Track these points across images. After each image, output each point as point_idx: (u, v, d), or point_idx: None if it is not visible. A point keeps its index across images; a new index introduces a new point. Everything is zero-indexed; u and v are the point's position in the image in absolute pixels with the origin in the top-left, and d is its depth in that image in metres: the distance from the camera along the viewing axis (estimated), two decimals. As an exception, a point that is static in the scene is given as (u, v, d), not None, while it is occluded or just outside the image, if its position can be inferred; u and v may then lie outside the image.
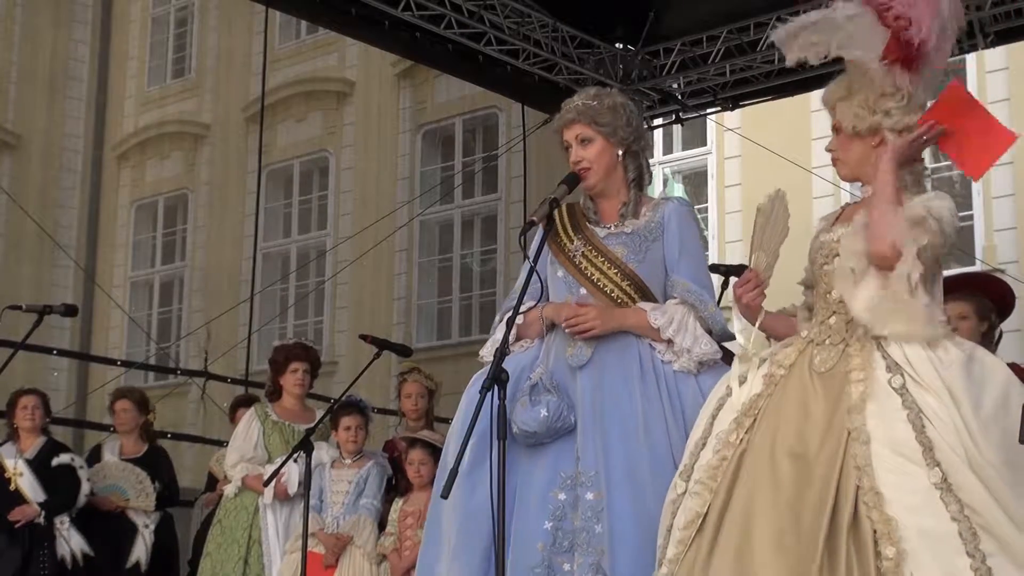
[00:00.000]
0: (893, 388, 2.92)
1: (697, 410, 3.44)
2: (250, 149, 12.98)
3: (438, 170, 13.17)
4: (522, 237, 3.66)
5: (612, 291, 3.72)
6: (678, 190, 13.51)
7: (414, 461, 5.51)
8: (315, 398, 6.69)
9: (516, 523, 3.55)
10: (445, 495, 3.19)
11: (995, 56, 10.64)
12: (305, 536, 5.18)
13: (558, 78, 8.35)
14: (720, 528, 2.94)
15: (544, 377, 3.63)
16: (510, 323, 3.53)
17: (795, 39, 3.17)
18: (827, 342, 3.10)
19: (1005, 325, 4.72)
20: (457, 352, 11.86)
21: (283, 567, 5.68)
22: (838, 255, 3.14)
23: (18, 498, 6.52)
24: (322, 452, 5.74)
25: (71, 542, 6.58)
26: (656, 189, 13.16)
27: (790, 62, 3.21)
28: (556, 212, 3.71)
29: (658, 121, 9.51)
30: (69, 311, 5.48)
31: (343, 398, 5.72)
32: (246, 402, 7.10)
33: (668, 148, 13.52)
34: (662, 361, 3.66)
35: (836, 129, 3.25)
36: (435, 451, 5.51)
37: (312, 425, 5.73)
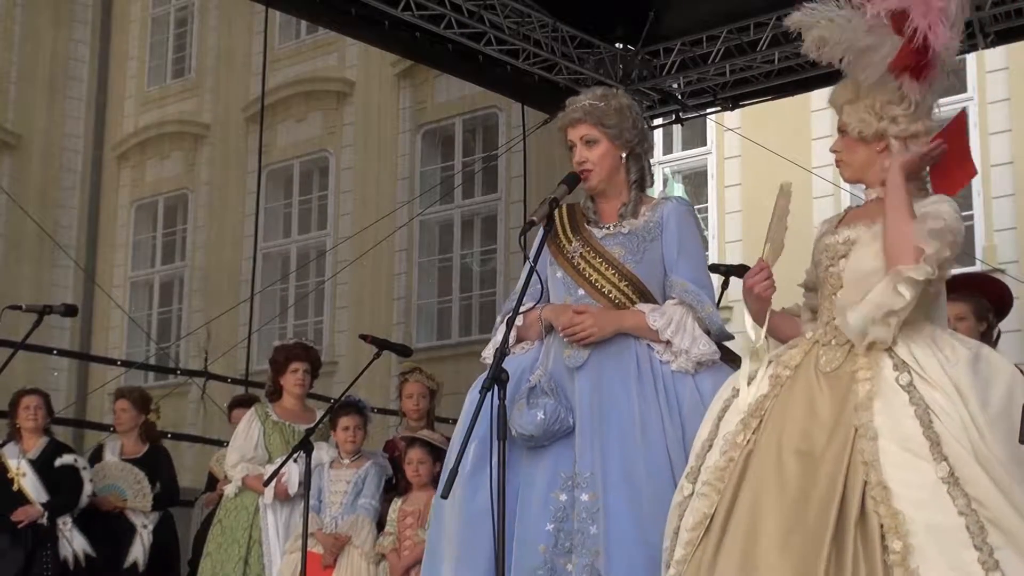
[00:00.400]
0: (900, 385, 2.93)
1: (695, 410, 3.45)
2: (250, 149, 12.98)
3: (438, 170, 13.17)
4: (522, 237, 3.65)
5: (610, 292, 3.72)
6: (678, 190, 13.50)
7: (413, 460, 5.52)
8: (315, 398, 6.69)
9: (518, 525, 3.55)
10: (445, 495, 3.19)
11: (995, 56, 10.63)
12: (305, 536, 5.18)
13: (558, 78, 8.35)
14: (726, 529, 2.95)
15: (542, 379, 3.63)
16: (510, 323, 3.53)
17: (809, 31, 3.17)
18: (833, 342, 3.10)
19: (1004, 325, 4.73)
20: (457, 352, 11.86)
21: (283, 567, 5.69)
22: (844, 257, 3.15)
23: (21, 498, 6.52)
24: (321, 452, 5.75)
25: (74, 543, 6.58)
26: (656, 189, 13.17)
27: (804, 51, 3.20)
28: (556, 213, 3.70)
29: (658, 121, 9.51)
30: (69, 311, 5.48)
31: (343, 398, 5.72)
32: (244, 402, 7.11)
33: (668, 148, 13.51)
34: (660, 361, 3.65)
35: (841, 131, 3.26)
36: (434, 450, 5.52)
37: (312, 425, 5.73)
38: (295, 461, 5.54)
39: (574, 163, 3.76)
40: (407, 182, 12.93)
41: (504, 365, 3.25)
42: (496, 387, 3.19)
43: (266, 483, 5.70)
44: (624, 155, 3.79)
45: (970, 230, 11.17)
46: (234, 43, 14.37)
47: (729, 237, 12.55)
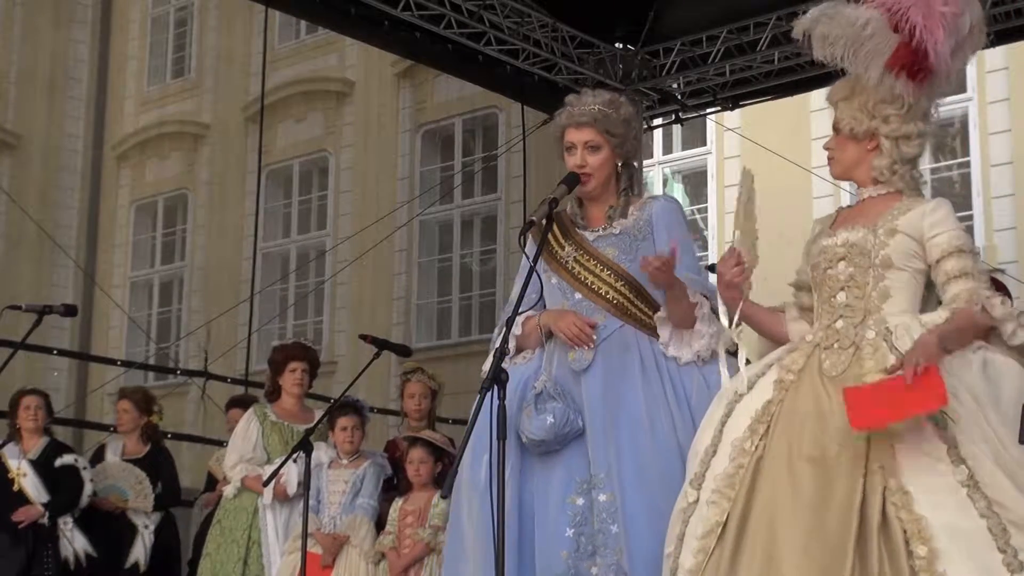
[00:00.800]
0: None
1: (703, 398, 3.45)
2: (250, 149, 12.99)
3: (438, 170, 13.17)
4: (522, 237, 3.66)
5: (607, 293, 3.72)
6: (678, 190, 13.51)
7: (414, 460, 5.53)
8: (315, 398, 6.69)
9: (538, 532, 3.56)
10: (445, 495, 3.19)
11: (995, 56, 10.63)
12: (304, 536, 5.18)
13: (558, 78, 8.35)
14: (742, 536, 2.94)
15: (548, 384, 3.63)
16: (509, 322, 3.50)
17: (812, 31, 3.18)
18: (835, 346, 3.10)
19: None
20: (456, 352, 11.86)
21: (282, 567, 5.68)
22: (843, 259, 3.15)
23: (22, 499, 6.52)
24: (320, 452, 5.74)
25: (75, 543, 6.58)
26: (656, 189, 13.18)
27: (814, 55, 3.22)
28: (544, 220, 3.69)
29: (658, 121, 9.51)
30: (69, 311, 5.47)
31: (342, 398, 5.72)
32: (240, 402, 7.10)
33: (668, 148, 13.51)
34: (665, 356, 3.66)
35: (835, 128, 3.27)
36: (435, 450, 5.53)
37: (311, 425, 5.73)
38: (294, 461, 5.53)
39: (571, 165, 3.75)
40: (407, 182, 12.92)
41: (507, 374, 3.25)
42: (496, 387, 3.19)
43: (265, 483, 5.69)
44: (620, 163, 3.80)
45: (970, 230, 11.17)
46: (234, 43, 14.37)
47: (728, 237, 12.50)
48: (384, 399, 10.18)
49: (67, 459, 6.70)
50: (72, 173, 14.71)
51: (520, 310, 3.54)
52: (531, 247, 3.65)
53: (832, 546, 2.78)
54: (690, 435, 3.40)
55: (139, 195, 15.28)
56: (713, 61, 8.40)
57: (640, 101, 8.74)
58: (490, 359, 3.75)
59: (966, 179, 11.48)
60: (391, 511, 5.59)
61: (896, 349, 3.00)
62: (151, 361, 13.31)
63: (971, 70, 11.22)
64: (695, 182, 13.47)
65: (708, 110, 9.43)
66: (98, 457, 7.11)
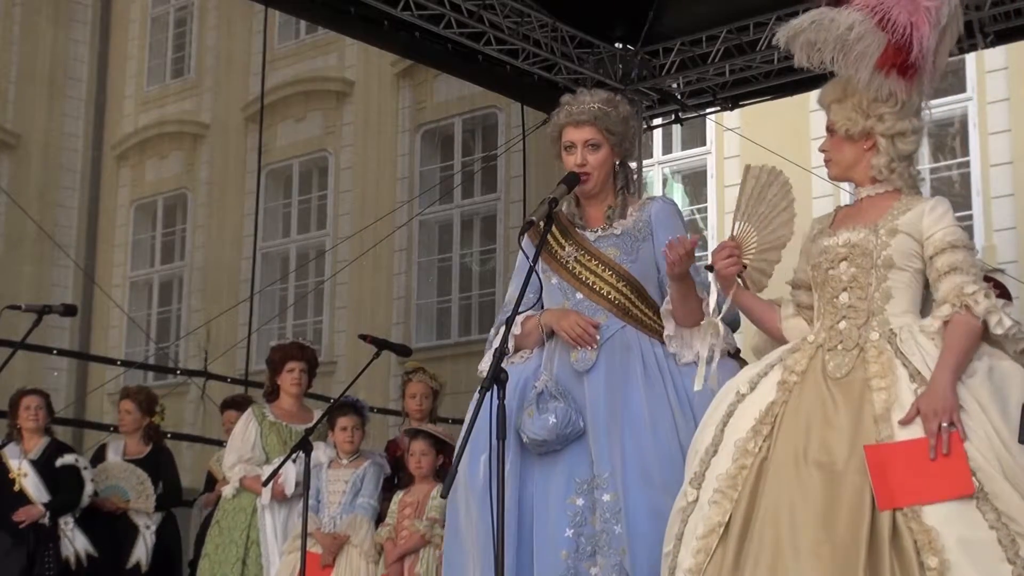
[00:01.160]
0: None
1: (704, 402, 3.45)
2: (249, 149, 12.98)
3: (437, 170, 13.16)
4: (521, 236, 3.66)
5: (608, 293, 3.72)
6: (677, 190, 13.51)
7: (416, 452, 5.54)
8: (314, 398, 6.69)
9: (537, 533, 3.56)
10: (444, 494, 3.19)
11: (994, 56, 10.63)
12: (304, 536, 5.18)
13: (557, 78, 8.35)
14: (745, 538, 2.94)
15: (549, 384, 3.63)
16: (509, 322, 3.50)
17: (796, 39, 3.19)
18: (839, 347, 3.09)
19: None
20: (456, 352, 11.85)
21: (281, 567, 5.68)
22: (844, 260, 3.15)
23: (23, 499, 6.53)
24: (319, 452, 5.74)
25: (76, 543, 6.59)
26: (656, 189, 13.19)
27: (797, 62, 3.23)
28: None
29: (657, 121, 9.50)
30: (68, 311, 5.48)
31: (341, 398, 5.72)
32: (235, 404, 7.11)
33: (667, 148, 13.51)
34: (666, 356, 3.68)
35: (830, 130, 3.27)
36: (436, 443, 5.54)
37: (310, 425, 5.73)
38: (293, 461, 5.53)
39: (571, 164, 3.75)
40: (406, 182, 12.92)
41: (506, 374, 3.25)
42: (496, 387, 3.19)
43: (264, 484, 5.69)
44: (617, 162, 3.80)
45: (969, 230, 11.18)
46: (233, 43, 14.36)
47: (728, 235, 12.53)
48: (384, 399, 10.18)
49: (68, 459, 6.71)
50: (72, 173, 14.69)
51: (514, 305, 3.54)
52: (529, 247, 3.66)
53: (842, 552, 2.77)
54: (690, 437, 3.40)
55: (139, 195, 15.27)
56: (713, 61, 8.40)
57: (640, 101, 8.74)
58: (487, 358, 3.76)
59: (966, 179, 11.48)
60: (392, 503, 5.61)
61: (902, 353, 3.01)
62: (151, 361, 13.30)
63: (971, 70, 11.24)
64: (695, 182, 13.47)
65: (708, 110, 9.43)
66: (99, 457, 7.11)
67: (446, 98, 12.79)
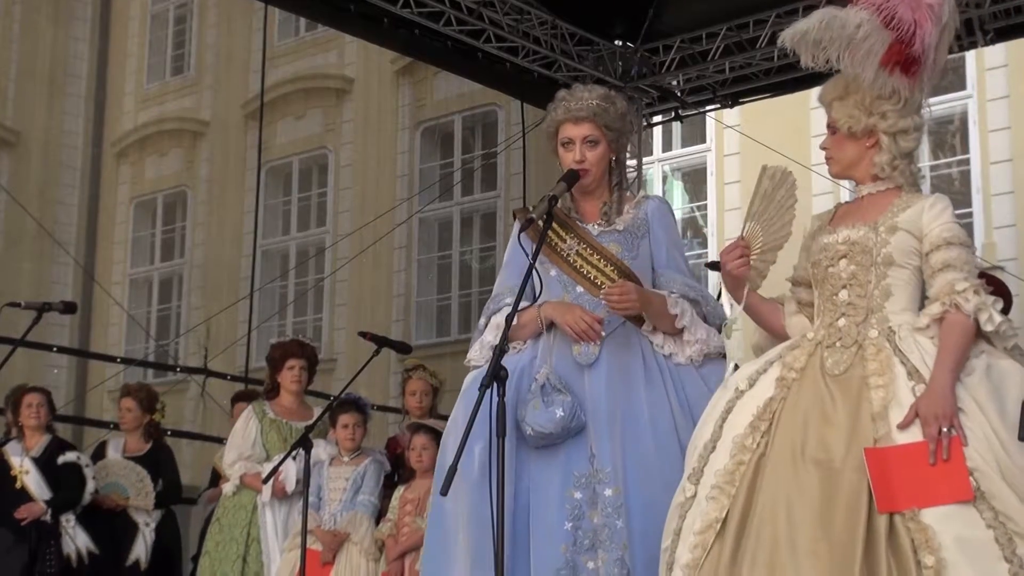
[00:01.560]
0: (916, 396, 2.93)
1: (702, 400, 3.46)
2: (249, 146, 12.98)
3: (437, 167, 13.16)
4: (520, 234, 3.67)
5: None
6: (677, 187, 13.51)
7: (417, 447, 5.52)
8: (314, 395, 6.69)
9: (534, 525, 3.55)
10: (444, 492, 3.18)
11: (994, 53, 10.63)
12: (304, 534, 5.18)
13: (557, 75, 8.34)
14: (743, 534, 2.94)
15: (551, 377, 3.63)
16: (508, 320, 3.49)
17: (803, 39, 3.19)
18: (838, 344, 3.09)
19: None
20: (456, 349, 11.82)
21: (281, 565, 5.69)
22: (844, 257, 3.15)
23: (24, 496, 6.54)
24: (320, 450, 5.74)
25: (77, 540, 6.60)
26: (656, 186, 13.19)
27: (803, 63, 3.23)
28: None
29: (657, 118, 9.50)
30: (68, 308, 5.48)
31: (342, 395, 5.72)
32: (246, 397, 7.10)
33: (667, 145, 13.51)
34: (663, 355, 3.69)
35: (831, 127, 3.27)
36: (438, 437, 5.53)
37: (311, 422, 5.73)
38: (293, 458, 5.54)
39: (569, 160, 3.76)
40: (406, 179, 12.92)
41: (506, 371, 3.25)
42: (496, 384, 3.19)
43: (264, 481, 5.70)
44: (613, 158, 3.81)
45: (969, 228, 11.18)
46: (233, 40, 14.36)
47: (729, 234, 12.53)
48: (384, 396, 10.19)
49: (69, 456, 6.72)
50: (71, 170, 14.68)
51: (514, 303, 3.53)
52: (527, 243, 3.66)
53: (839, 550, 2.77)
54: (691, 435, 3.41)
55: (138, 192, 15.27)
56: (713, 58, 8.40)
57: (640, 98, 8.75)
58: (475, 347, 3.77)
59: (965, 176, 11.48)
60: (392, 499, 5.60)
61: (900, 351, 3.01)
62: (150, 358, 13.30)
63: (971, 67, 11.24)
64: (695, 179, 13.47)
65: (708, 107, 9.43)
66: (99, 454, 7.12)
67: (446, 95, 12.79)
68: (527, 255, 3.64)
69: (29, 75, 14.18)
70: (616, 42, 8.53)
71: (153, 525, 6.94)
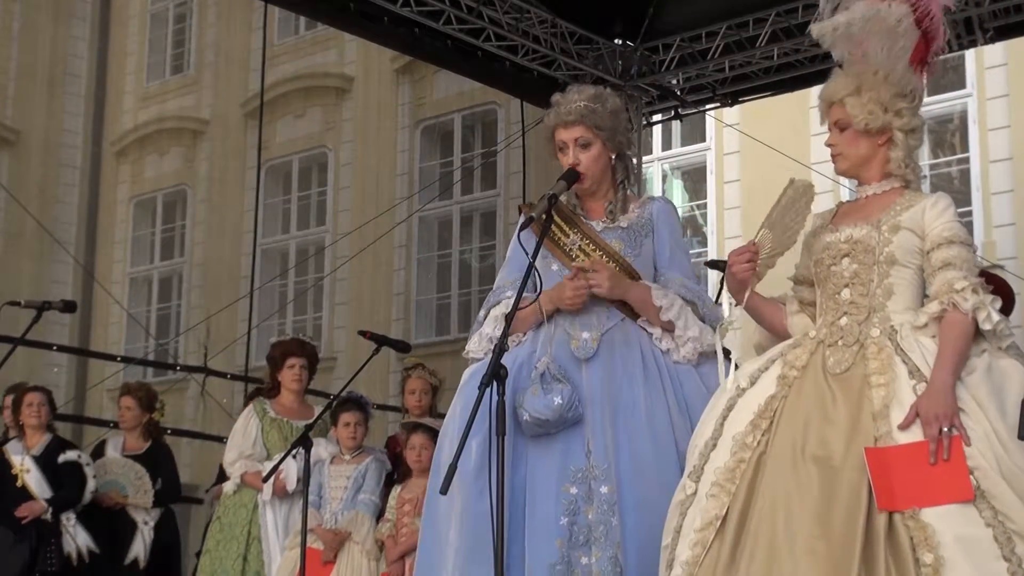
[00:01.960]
0: (918, 394, 2.93)
1: (700, 400, 3.46)
2: (249, 145, 12.98)
3: (437, 166, 13.17)
4: (520, 232, 3.67)
5: (611, 284, 3.73)
6: (677, 186, 13.51)
7: (415, 446, 5.51)
8: (314, 394, 6.69)
9: (529, 519, 3.55)
10: (444, 491, 3.18)
11: (994, 52, 10.63)
12: (304, 532, 5.18)
13: (557, 74, 8.35)
14: (742, 531, 2.94)
15: (551, 366, 3.62)
16: (509, 318, 3.49)
17: (845, 31, 3.18)
18: (840, 343, 3.09)
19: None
20: (456, 348, 11.75)
21: (282, 564, 5.69)
22: (846, 256, 3.15)
23: (25, 495, 6.54)
24: (321, 448, 5.74)
25: (77, 538, 6.60)
26: (656, 185, 13.19)
27: (837, 57, 3.23)
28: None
29: (657, 117, 9.51)
30: (68, 307, 5.48)
31: (342, 394, 5.72)
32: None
33: (667, 144, 13.51)
34: (662, 351, 3.68)
35: (840, 124, 3.24)
36: (436, 436, 5.51)
37: (311, 421, 5.73)
38: (294, 457, 5.54)
39: (565, 164, 3.76)
40: (406, 178, 12.92)
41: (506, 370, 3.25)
42: (495, 383, 3.19)
43: (264, 479, 5.70)
44: (614, 156, 3.81)
45: (969, 226, 11.18)
46: (233, 39, 14.36)
47: (728, 233, 12.55)
48: (383, 395, 10.19)
49: (70, 455, 6.73)
50: (71, 169, 14.69)
51: (514, 301, 3.53)
52: (528, 241, 3.67)
53: (838, 548, 2.78)
54: (687, 437, 3.41)
55: (138, 191, 15.27)
56: (712, 57, 8.40)
57: (639, 97, 8.75)
58: (473, 339, 3.77)
59: (965, 175, 11.49)
60: (390, 499, 5.60)
61: (902, 350, 3.01)
62: (150, 357, 13.30)
63: (970, 66, 11.23)
64: (694, 178, 13.47)
65: (707, 106, 9.43)
66: (99, 453, 7.12)
67: (446, 94, 12.79)
68: (527, 254, 3.64)
69: (29, 74, 14.18)
70: (616, 41, 8.53)
71: (152, 524, 6.94)
